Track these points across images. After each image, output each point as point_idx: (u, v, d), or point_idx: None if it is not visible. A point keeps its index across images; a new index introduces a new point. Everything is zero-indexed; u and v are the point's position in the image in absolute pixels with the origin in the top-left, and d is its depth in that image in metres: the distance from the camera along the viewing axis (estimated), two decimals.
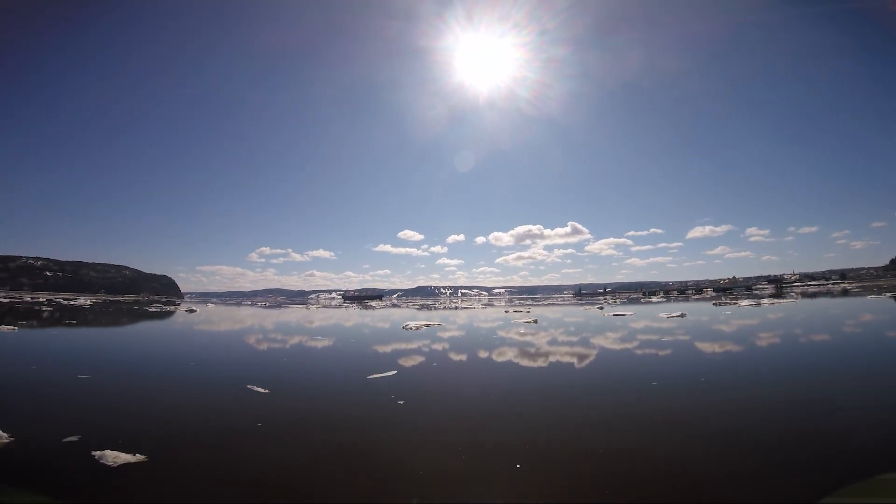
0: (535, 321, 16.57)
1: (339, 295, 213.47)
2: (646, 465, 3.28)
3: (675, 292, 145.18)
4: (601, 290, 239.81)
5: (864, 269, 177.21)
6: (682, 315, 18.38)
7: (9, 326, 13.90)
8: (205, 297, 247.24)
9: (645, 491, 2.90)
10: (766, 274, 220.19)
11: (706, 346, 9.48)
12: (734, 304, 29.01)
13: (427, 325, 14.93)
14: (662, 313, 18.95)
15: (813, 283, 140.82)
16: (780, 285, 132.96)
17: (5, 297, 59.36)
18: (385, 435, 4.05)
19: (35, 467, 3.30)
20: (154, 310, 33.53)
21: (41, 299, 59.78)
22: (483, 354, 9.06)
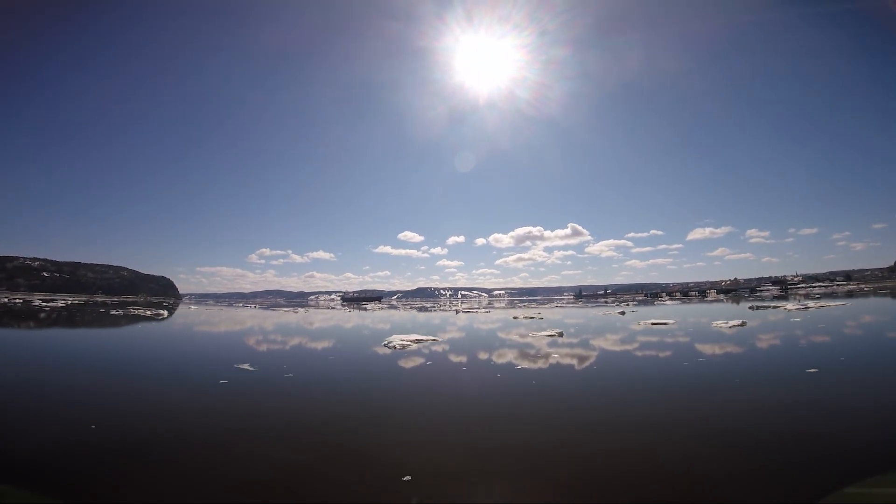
0: (560, 334, 12.51)
1: (339, 297, 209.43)
2: None
3: (679, 294, 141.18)
4: (601, 292, 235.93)
5: (868, 269, 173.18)
6: (743, 324, 14.33)
7: None
8: (203, 299, 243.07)
9: None
10: (766, 276, 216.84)
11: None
12: (776, 307, 25.11)
13: (418, 342, 10.87)
14: (720, 322, 14.87)
15: (818, 284, 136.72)
16: (784, 287, 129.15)
17: None
18: None
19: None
20: (118, 313, 29.48)
21: (18, 300, 55.87)
22: (516, 422, 4.93)
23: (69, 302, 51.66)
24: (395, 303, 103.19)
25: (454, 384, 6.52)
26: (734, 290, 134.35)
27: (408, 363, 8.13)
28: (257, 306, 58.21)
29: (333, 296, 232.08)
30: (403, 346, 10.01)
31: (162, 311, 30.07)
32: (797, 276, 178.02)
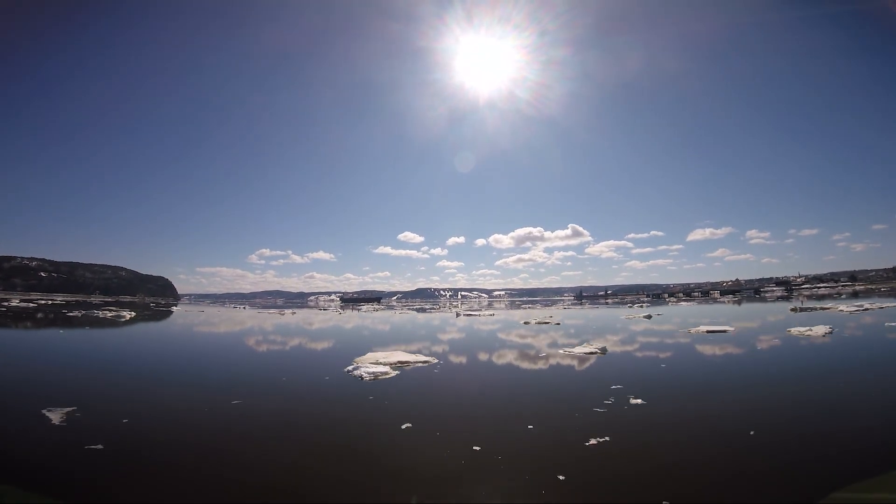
0: (602, 351, 8.85)
1: (338, 297, 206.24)
2: None
3: (682, 294, 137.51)
4: (602, 293, 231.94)
5: (872, 270, 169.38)
6: (831, 330, 10.67)
7: None
8: (202, 299, 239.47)
9: None
10: (766, 276, 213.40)
11: None
12: (824, 308, 21.50)
13: (400, 366, 7.22)
14: (800, 329, 11.22)
15: (822, 285, 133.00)
16: (789, 288, 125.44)
17: None
18: None
19: None
20: (76, 314, 25.81)
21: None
22: None
23: (41, 303, 48.00)
24: (394, 303, 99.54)
25: None
26: (738, 291, 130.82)
27: (364, 428, 4.42)
28: (246, 307, 54.62)
29: (333, 296, 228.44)
30: (375, 376, 6.34)
31: (125, 314, 26.44)
32: (800, 276, 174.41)
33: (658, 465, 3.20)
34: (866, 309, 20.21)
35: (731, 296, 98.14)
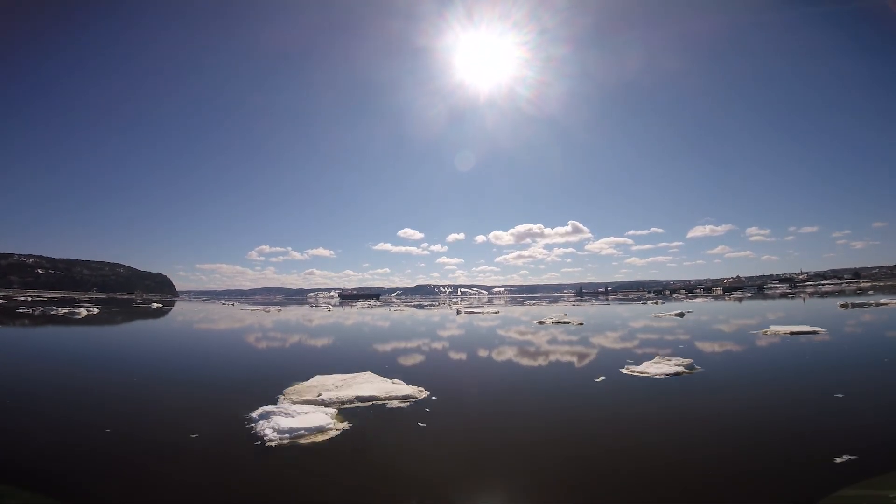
0: (689, 368, 5.61)
1: (337, 294, 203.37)
2: None
3: (683, 291, 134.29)
4: (602, 290, 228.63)
5: (875, 267, 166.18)
6: None
7: None
8: (201, 296, 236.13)
9: None
10: (766, 273, 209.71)
11: None
12: (880, 304, 18.29)
13: (357, 413, 3.94)
14: None
15: (826, 282, 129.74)
16: (793, 285, 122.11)
17: None
18: None
19: None
20: (31, 311, 22.55)
21: None
22: None
23: (19, 299, 44.71)
24: (393, 300, 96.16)
25: None
26: (740, 288, 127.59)
27: None
28: (235, 304, 51.40)
29: (332, 293, 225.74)
30: (294, 437, 3.10)
31: (82, 311, 23.18)
32: (802, 273, 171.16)
33: None
34: None
35: (735, 293, 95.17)
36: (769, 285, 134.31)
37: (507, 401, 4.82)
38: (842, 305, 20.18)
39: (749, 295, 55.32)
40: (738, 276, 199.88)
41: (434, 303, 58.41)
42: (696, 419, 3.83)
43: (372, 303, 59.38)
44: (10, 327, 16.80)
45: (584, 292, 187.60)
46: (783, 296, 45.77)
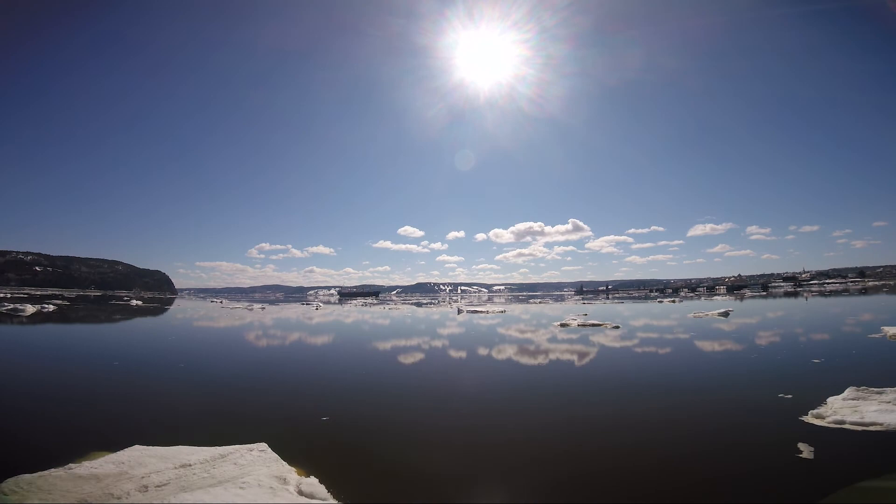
0: None
1: (337, 291, 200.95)
2: None
3: (686, 290, 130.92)
4: (602, 288, 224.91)
5: (879, 267, 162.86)
6: None
7: None
8: (202, 294, 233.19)
9: None
10: (767, 272, 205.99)
11: None
12: None
13: None
14: None
15: (831, 281, 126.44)
16: (798, 284, 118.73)
17: None
18: None
19: None
20: None
21: None
22: None
23: None
24: (393, 298, 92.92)
25: None
26: (744, 287, 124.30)
27: None
28: (223, 302, 48.31)
29: (332, 290, 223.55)
30: None
31: (29, 308, 20.08)
32: (805, 272, 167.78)
33: None
34: None
35: (739, 291, 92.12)
36: (773, 284, 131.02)
37: None
38: None
39: (764, 294, 52.10)
40: (739, 275, 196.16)
41: (434, 301, 55.28)
42: None
43: (366, 301, 56.20)
44: None
45: (584, 290, 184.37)
46: (790, 294, 42.73)
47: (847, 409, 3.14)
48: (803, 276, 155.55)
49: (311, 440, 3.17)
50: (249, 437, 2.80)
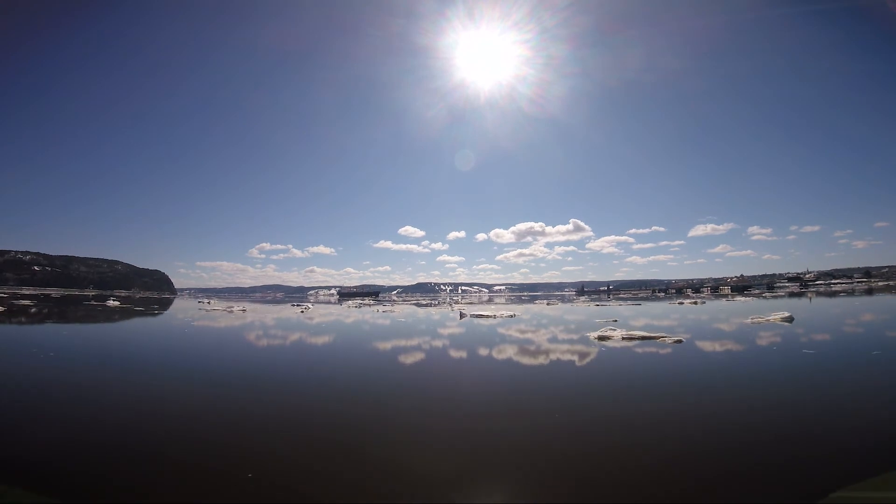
0: None
1: (337, 291, 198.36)
2: None
3: (690, 291, 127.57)
4: (603, 288, 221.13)
5: (885, 267, 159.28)
6: None
7: None
8: (202, 294, 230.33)
9: None
10: (769, 273, 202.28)
11: None
12: None
13: None
14: None
15: (836, 281, 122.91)
16: (804, 284, 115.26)
17: None
18: None
19: None
20: None
21: None
22: None
23: None
24: (394, 297, 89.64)
25: None
26: (749, 287, 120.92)
27: None
28: (211, 302, 45.19)
29: (332, 290, 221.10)
30: None
31: None
32: (809, 272, 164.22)
33: None
34: None
35: (747, 291, 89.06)
36: (778, 284, 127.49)
37: None
38: None
39: (783, 294, 48.79)
40: (741, 275, 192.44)
41: (433, 301, 52.07)
42: None
43: (363, 301, 52.95)
44: None
45: (585, 290, 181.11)
46: (792, 295, 39.53)
47: None
48: (808, 276, 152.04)
49: None
50: None
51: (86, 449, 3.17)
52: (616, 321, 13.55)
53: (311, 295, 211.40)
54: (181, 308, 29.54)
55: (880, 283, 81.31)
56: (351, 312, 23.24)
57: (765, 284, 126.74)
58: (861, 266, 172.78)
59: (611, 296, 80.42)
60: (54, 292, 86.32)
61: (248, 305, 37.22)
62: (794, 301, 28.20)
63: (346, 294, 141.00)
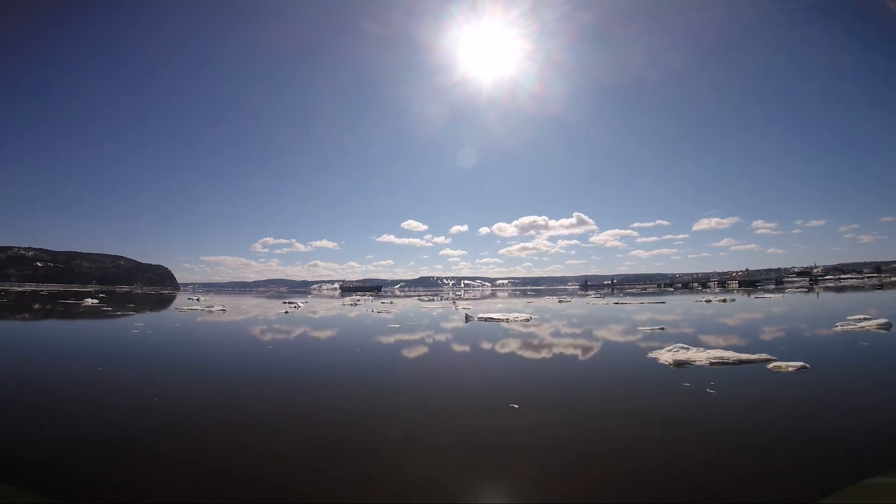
0: None
1: (340, 286, 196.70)
2: None
3: (698, 285, 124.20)
4: (607, 282, 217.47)
5: (894, 261, 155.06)
6: None
7: None
8: (206, 288, 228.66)
9: None
10: (774, 267, 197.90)
11: None
12: None
13: None
14: None
15: (846, 276, 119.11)
16: (813, 279, 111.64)
17: None
18: None
19: None
20: None
21: None
22: None
23: None
24: (397, 292, 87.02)
25: None
26: (757, 282, 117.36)
27: None
28: (200, 298, 42.63)
29: (335, 285, 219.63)
30: None
31: None
32: (817, 266, 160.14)
33: None
34: None
35: (754, 285, 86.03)
36: (787, 279, 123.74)
37: None
38: None
39: (803, 289, 45.59)
40: (747, 269, 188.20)
41: (435, 296, 49.32)
42: None
43: (363, 296, 50.26)
44: None
45: (589, 284, 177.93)
46: (802, 289, 36.38)
47: None
48: (816, 270, 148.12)
49: None
50: None
51: (86, 449, 3.08)
52: (663, 329, 10.62)
53: (314, 289, 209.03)
54: (172, 305, 26.79)
55: (893, 279, 77.86)
56: (344, 310, 20.39)
57: (773, 279, 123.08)
58: (866, 261, 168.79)
59: (615, 290, 77.28)
60: (51, 288, 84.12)
61: (243, 301, 34.64)
62: (853, 296, 25.09)
63: (348, 289, 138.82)
